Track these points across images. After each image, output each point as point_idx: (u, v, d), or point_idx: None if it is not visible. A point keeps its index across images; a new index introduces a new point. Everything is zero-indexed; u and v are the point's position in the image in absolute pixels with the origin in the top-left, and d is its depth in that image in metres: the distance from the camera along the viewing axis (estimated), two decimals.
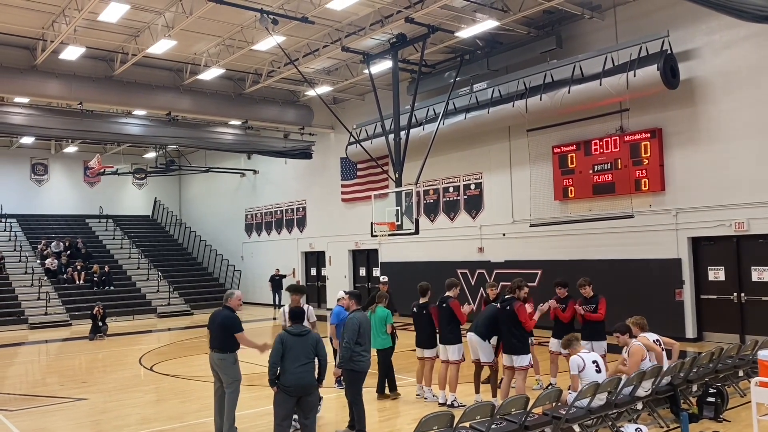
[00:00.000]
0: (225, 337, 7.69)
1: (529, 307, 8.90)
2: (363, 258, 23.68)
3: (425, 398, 9.53)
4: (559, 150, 16.69)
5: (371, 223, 16.49)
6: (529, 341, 9.56)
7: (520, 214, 17.83)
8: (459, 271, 19.18)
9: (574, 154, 16.36)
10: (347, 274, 23.89)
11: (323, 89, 20.91)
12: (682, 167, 14.48)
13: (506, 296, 8.57)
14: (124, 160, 30.62)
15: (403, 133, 16.43)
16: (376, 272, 22.68)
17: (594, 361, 7.57)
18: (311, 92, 20.89)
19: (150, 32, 16.62)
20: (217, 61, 18.44)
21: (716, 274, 14.26)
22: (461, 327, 9.21)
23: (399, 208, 15.83)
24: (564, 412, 6.71)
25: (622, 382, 7.28)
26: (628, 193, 15.15)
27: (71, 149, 29.51)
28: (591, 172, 15.95)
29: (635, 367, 7.58)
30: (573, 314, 9.51)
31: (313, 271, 26.18)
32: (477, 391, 9.08)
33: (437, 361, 9.53)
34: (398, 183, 16.28)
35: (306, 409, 6.76)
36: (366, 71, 17.73)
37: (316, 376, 6.78)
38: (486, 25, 15.36)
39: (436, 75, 19.24)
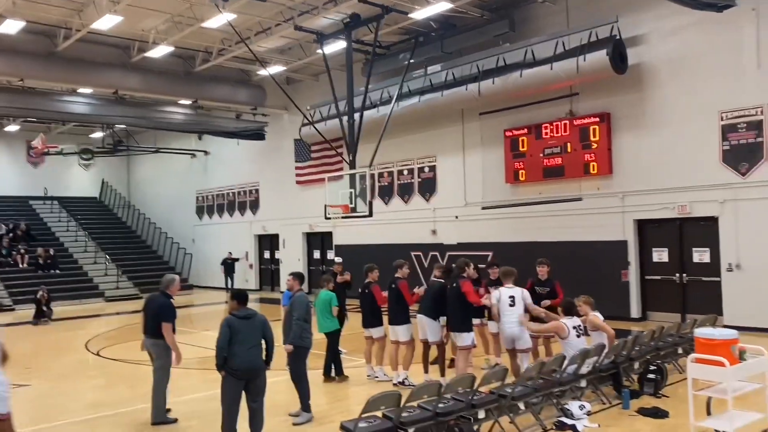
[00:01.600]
0: (159, 323, 7.66)
1: (482, 289, 9.05)
2: (317, 241, 23.58)
3: (376, 377, 9.59)
4: (510, 133, 16.86)
5: (325, 205, 16.41)
6: (481, 322, 9.76)
7: (472, 197, 18.00)
8: (413, 253, 19.27)
9: (525, 138, 16.56)
10: (301, 257, 23.77)
11: (276, 69, 20.57)
12: (629, 151, 14.81)
13: (453, 275, 8.66)
14: (69, 140, 29.67)
15: (357, 115, 16.33)
16: (331, 255, 22.60)
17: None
18: (264, 72, 20.53)
19: (95, 7, 16.00)
20: (166, 39, 17.93)
21: (660, 255, 14.71)
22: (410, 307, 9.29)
23: (353, 190, 15.77)
24: (510, 390, 6.83)
25: (567, 361, 7.45)
26: (577, 177, 15.46)
27: (13, 128, 28.34)
28: (541, 155, 16.17)
29: (543, 330, 8.29)
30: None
31: (267, 255, 25.94)
32: (426, 371, 9.17)
33: (388, 341, 9.58)
34: (352, 165, 16.20)
35: (254, 392, 6.72)
36: (320, 51, 17.52)
37: (264, 358, 6.75)
38: (440, 6, 15.33)
39: (390, 57, 19.13)
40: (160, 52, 18.50)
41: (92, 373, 11.45)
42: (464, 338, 8.51)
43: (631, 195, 14.79)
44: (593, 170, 15.22)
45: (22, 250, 24.49)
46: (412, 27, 17.76)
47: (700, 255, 14.01)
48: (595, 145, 15.19)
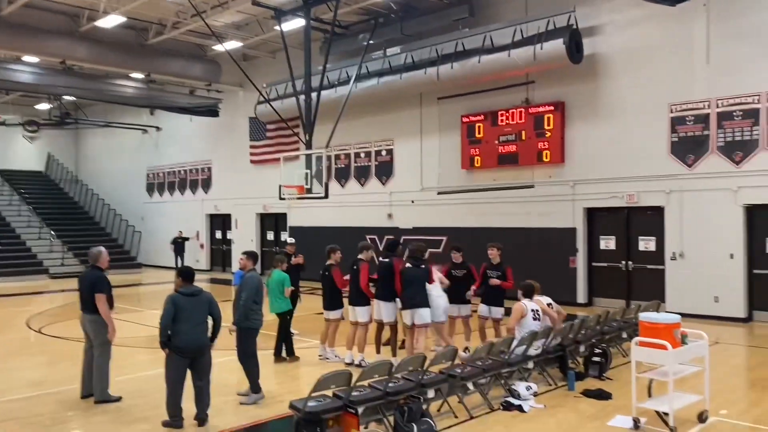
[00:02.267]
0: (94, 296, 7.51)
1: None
2: (271, 222, 23.34)
3: (327, 359, 9.57)
4: (467, 119, 16.95)
5: (280, 185, 16.21)
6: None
7: (428, 181, 18.07)
8: (368, 236, 19.17)
9: (481, 124, 16.67)
10: (254, 238, 23.49)
11: (232, 44, 20.16)
12: (582, 140, 15.08)
13: (418, 257, 8.76)
14: (13, 110, 28.49)
15: (314, 95, 16.13)
16: (285, 236, 22.38)
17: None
18: (219, 47, 20.08)
19: None
20: (117, 8, 17.33)
21: (607, 243, 15.08)
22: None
23: (309, 171, 15.61)
24: (460, 371, 6.91)
25: (515, 342, 7.58)
26: (531, 164, 15.68)
27: None
28: (497, 142, 16.32)
29: (512, 322, 8.07)
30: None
31: (219, 235, 25.55)
32: (378, 351, 9.20)
33: (345, 323, 9.56)
34: (308, 145, 16.01)
35: (200, 371, 6.64)
36: (277, 28, 17.20)
37: (210, 335, 6.67)
38: None
39: (350, 37, 18.94)
40: (111, 21, 17.88)
41: (33, 350, 11.10)
42: (425, 315, 8.58)
43: (582, 183, 15.09)
44: (546, 158, 15.44)
45: None
46: (372, 8, 17.63)
47: (646, 243, 14.42)
48: (548, 134, 15.40)
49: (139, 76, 22.36)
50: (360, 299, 9.15)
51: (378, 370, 6.17)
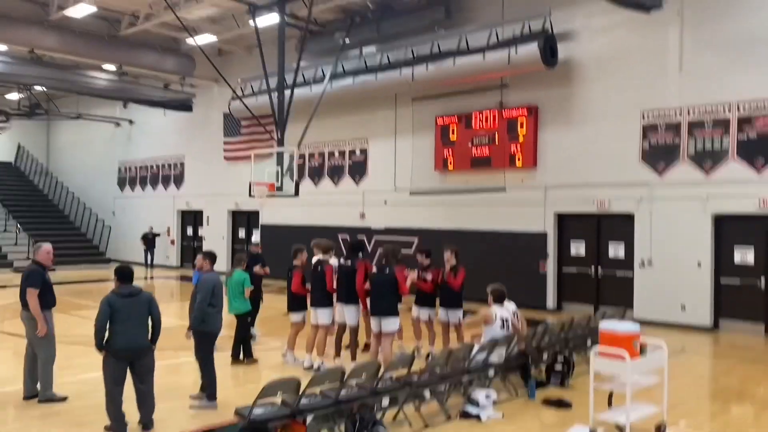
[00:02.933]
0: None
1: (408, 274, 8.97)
2: (243, 219, 23.03)
3: (286, 361, 9.38)
4: (441, 121, 16.84)
5: (250, 182, 15.95)
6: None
7: (401, 182, 17.90)
8: (340, 236, 18.98)
9: (455, 126, 16.57)
10: (225, 235, 23.17)
11: (207, 38, 19.81)
12: (554, 145, 15.03)
13: (384, 261, 8.52)
14: None
15: (287, 92, 15.90)
16: (256, 234, 22.10)
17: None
18: (196, 40, 19.75)
19: None
20: None
21: (578, 248, 15.04)
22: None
23: (279, 168, 15.40)
24: (416, 378, 6.75)
25: (475, 349, 7.44)
26: (503, 168, 15.59)
27: None
28: (470, 144, 16.23)
29: (476, 323, 8.07)
30: (436, 283, 9.62)
31: (190, 231, 25.17)
32: (338, 355, 9.01)
33: (307, 325, 9.36)
34: (280, 143, 15.80)
35: (141, 373, 6.41)
36: (252, 23, 16.93)
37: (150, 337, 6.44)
38: None
39: (326, 35, 18.68)
40: (81, 11, 17.42)
41: None
42: (392, 323, 8.39)
43: (554, 188, 15.04)
44: (519, 162, 15.38)
45: None
46: (349, 7, 17.45)
47: (616, 250, 14.41)
48: (521, 138, 15.34)
49: (112, 68, 21.91)
50: (322, 301, 8.93)
51: (329, 377, 5.99)
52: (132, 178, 27.55)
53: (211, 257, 7.74)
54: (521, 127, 15.39)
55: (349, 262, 8.76)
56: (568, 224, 15.25)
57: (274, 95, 16.15)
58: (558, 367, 8.43)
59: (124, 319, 6.21)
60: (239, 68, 21.22)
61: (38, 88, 24.84)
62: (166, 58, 21.44)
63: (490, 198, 15.67)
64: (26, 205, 27.66)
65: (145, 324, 6.40)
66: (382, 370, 6.43)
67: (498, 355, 7.83)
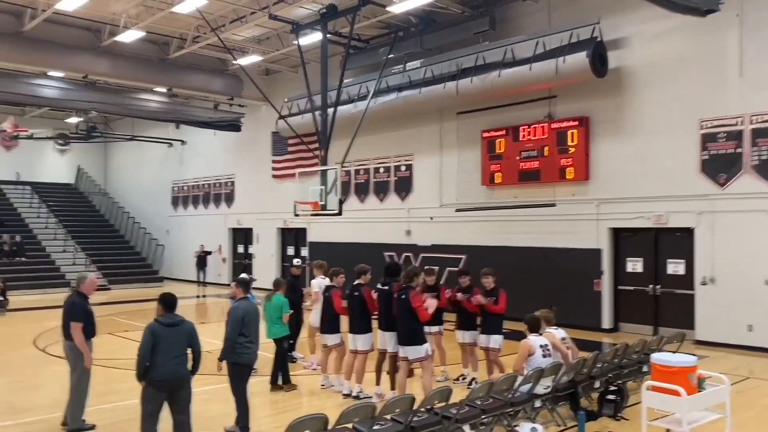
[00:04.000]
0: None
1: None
2: (291, 237, 23.05)
3: (332, 386, 9.12)
4: (488, 135, 16.41)
5: (294, 202, 15.92)
6: (436, 330, 9.31)
7: (448, 198, 17.54)
8: (386, 253, 18.83)
9: (502, 140, 16.11)
10: (274, 253, 23.23)
11: (253, 59, 20.03)
12: (607, 157, 14.40)
13: (403, 285, 8.14)
14: (45, 124, 28.93)
15: (331, 110, 15.82)
16: (305, 252, 22.11)
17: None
18: (243, 61, 19.98)
19: None
20: (137, 23, 17.30)
21: (634, 265, 14.31)
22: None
23: (323, 187, 15.29)
24: (455, 411, 6.37)
25: (519, 380, 7.01)
26: (553, 182, 15.04)
27: None
28: (518, 158, 15.73)
29: (520, 362, 7.37)
30: (478, 303, 9.20)
31: (241, 249, 25.38)
32: (378, 383, 8.68)
33: (344, 350, 9.09)
34: (324, 161, 15.72)
35: (179, 404, 6.23)
36: (301, 43, 16.95)
37: (190, 368, 6.27)
38: (419, 0, 14.80)
39: (370, 51, 18.61)
40: (130, 36, 17.85)
41: (29, 372, 10.77)
42: (418, 350, 7.97)
43: (607, 202, 14.39)
44: (569, 175, 14.79)
45: None
46: (392, 21, 17.30)
47: (675, 267, 13.63)
48: (572, 150, 14.76)
49: (163, 90, 22.38)
50: (361, 326, 8.62)
51: (361, 412, 5.66)
52: (185, 197, 28.05)
53: (244, 284, 7.50)
54: (571, 138, 14.81)
55: (386, 287, 8.44)
56: (623, 240, 14.55)
57: (318, 113, 16.12)
58: (611, 396, 7.88)
59: (166, 350, 6.05)
60: (286, 87, 21.37)
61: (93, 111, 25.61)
62: (214, 79, 21.77)
63: (540, 213, 15.13)
64: (84, 225, 28.49)
65: (184, 354, 6.23)
66: (417, 403, 6.08)
67: (545, 385, 7.37)
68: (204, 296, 22.83)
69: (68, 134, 28.36)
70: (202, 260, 25.02)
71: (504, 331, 9.28)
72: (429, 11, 16.48)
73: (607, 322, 14.46)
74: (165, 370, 6.05)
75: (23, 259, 23.50)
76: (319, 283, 10.11)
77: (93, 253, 25.76)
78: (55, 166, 32.20)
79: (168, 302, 6.31)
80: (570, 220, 14.91)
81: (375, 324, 8.74)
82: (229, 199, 25.52)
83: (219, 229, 25.81)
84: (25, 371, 10.73)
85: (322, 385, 9.32)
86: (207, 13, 16.80)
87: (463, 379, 9.50)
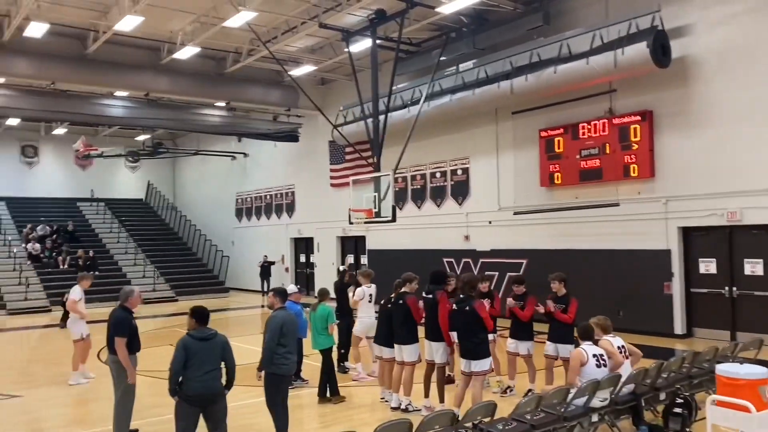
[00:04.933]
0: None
1: (487, 304, 8.16)
2: (351, 245, 22.99)
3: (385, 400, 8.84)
4: (545, 133, 15.81)
5: (349, 209, 15.81)
6: (491, 339, 8.90)
7: (506, 201, 17.01)
8: (445, 259, 18.45)
9: (561, 138, 15.48)
10: (335, 261, 23.20)
11: (306, 69, 20.12)
12: (674, 152, 13.57)
13: (461, 295, 7.76)
14: (116, 142, 30.14)
15: (382, 117, 15.65)
16: (364, 260, 22.00)
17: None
18: (294, 72, 20.12)
19: (118, 8, 15.87)
20: (192, 40, 17.67)
21: (707, 266, 13.39)
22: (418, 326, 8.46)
23: (377, 194, 15.11)
24: (501, 427, 5.98)
25: (572, 393, 6.53)
26: (617, 180, 14.31)
27: (61, 131, 28.90)
28: (578, 157, 15.07)
29: (573, 373, 6.88)
30: (533, 312, 8.74)
31: (303, 258, 25.53)
32: (426, 395, 8.34)
33: (392, 362, 8.80)
34: (376, 168, 15.57)
35: (214, 420, 6.12)
36: (352, 50, 16.89)
37: (224, 383, 6.14)
38: (468, 0, 14.43)
39: (422, 54, 18.36)
40: (187, 53, 18.23)
41: (90, 384, 11.00)
42: (483, 364, 7.56)
43: (676, 200, 13.54)
44: (634, 173, 14.02)
45: (64, 251, 24.86)
46: (442, 23, 16.98)
47: (753, 267, 12.65)
48: (635, 146, 13.99)
49: (222, 104, 22.82)
50: (407, 336, 8.30)
51: (439, 421, 5.35)
52: (248, 208, 28.52)
53: (281, 294, 7.35)
54: (634, 134, 14.05)
55: (431, 295, 8.11)
56: (694, 239, 13.65)
57: (371, 120, 15.98)
58: (677, 409, 7.26)
59: (198, 364, 5.95)
60: (342, 95, 21.37)
61: (156, 128, 26.45)
62: (271, 91, 22.00)
63: (603, 213, 14.41)
64: (153, 238, 29.40)
65: (218, 369, 6.11)
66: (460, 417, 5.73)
67: (601, 398, 6.85)
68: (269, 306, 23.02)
69: (137, 151, 29.38)
70: (265, 270, 25.31)
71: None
72: (480, 10, 16.07)
73: (679, 327, 13.58)
74: (198, 384, 5.94)
75: (96, 272, 24.34)
76: (363, 291, 9.90)
77: (161, 266, 26.51)
78: (126, 182, 33.44)
79: (200, 315, 6.20)
80: (636, 220, 14.13)
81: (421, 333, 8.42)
82: (290, 209, 25.74)
83: (281, 239, 26.07)
84: (85, 384, 10.94)
85: (382, 398, 9.01)
86: (259, 25, 17.00)
87: (511, 391, 9.04)
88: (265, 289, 25.43)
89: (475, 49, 16.76)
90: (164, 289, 25.01)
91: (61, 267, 24.33)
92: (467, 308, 7.50)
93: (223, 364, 6.16)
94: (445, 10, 15.03)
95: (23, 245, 25.27)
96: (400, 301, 8.36)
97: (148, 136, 28.67)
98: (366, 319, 10.35)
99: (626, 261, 14.24)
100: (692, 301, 13.65)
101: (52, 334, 17.41)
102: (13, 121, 26.18)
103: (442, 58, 16.55)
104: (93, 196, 31.34)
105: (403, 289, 8.46)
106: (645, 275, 13.91)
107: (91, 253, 24.95)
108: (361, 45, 17.07)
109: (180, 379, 5.98)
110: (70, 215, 28.88)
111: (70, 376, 10.84)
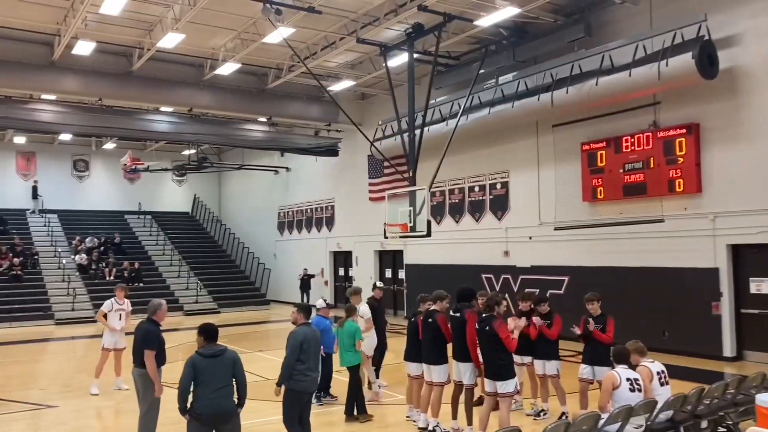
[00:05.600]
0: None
1: (511, 322, 7.88)
2: (389, 259, 22.87)
3: (413, 421, 8.63)
4: (587, 147, 15.42)
5: (384, 224, 15.71)
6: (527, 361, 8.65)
7: (547, 216, 16.60)
8: (484, 275, 18.14)
9: (603, 152, 15.06)
10: (373, 275, 23.08)
11: (346, 84, 20.22)
12: (722, 166, 13.02)
13: (483, 314, 7.53)
14: (163, 156, 30.83)
15: (418, 131, 15.53)
16: (402, 274, 21.84)
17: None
18: (334, 87, 20.23)
19: (161, 26, 16.26)
20: (234, 56, 17.95)
21: (759, 286, 12.75)
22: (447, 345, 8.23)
23: (412, 208, 14.97)
24: None
25: (603, 420, 6.21)
26: (661, 195, 13.80)
27: (110, 146, 29.80)
28: (621, 171, 14.62)
29: (605, 397, 6.53)
30: (560, 331, 8.42)
31: (341, 272, 25.53)
32: (454, 416, 8.10)
33: (419, 380, 8.60)
34: (412, 182, 15.42)
35: None
36: (391, 64, 16.87)
37: (236, 400, 6.05)
38: (506, 12, 14.24)
39: (461, 67, 18.23)
40: (228, 69, 18.55)
41: (125, 395, 11.02)
42: (508, 385, 7.30)
43: (724, 216, 12.96)
44: (679, 188, 13.51)
45: (110, 263, 25.47)
46: (481, 35, 16.83)
47: None
48: (681, 160, 13.49)
49: (264, 119, 23.10)
50: (435, 356, 8.06)
51: None
52: (289, 222, 28.74)
53: (304, 310, 7.25)
54: (680, 148, 13.55)
55: (458, 314, 7.89)
56: (745, 257, 13.03)
57: (407, 134, 15.88)
58: None
59: (207, 381, 5.87)
60: (382, 109, 21.32)
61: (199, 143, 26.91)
62: (311, 107, 22.19)
63: (648, 229, 13.90)
64: (198, 251, 29.87)
65: (229, 386, 6.03)
66: None
67: (636, 424, 6.50)
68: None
69: (183, 165, 29.98)
70: (305, 283, 25.38)
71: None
72: (520, 23, 15.87)
73: (728, 349, 12.94)
74: (207, 402, 5.85)
75: (141, 284, 24.88)
76: (366, 310, 9.82)
77: (204, 278, 26.87)
78: (173, 196, 34.15)
79: (209, 332, 6.13)
80: (682, 237, 13.59)
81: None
82: (330, 222, 25.82)
83: (321, 252, 26.14)
84: (116, 395, 10.95)
85: (408, 417, 8.82)
86: (299, 41, 17.18)
87: (544, 414, 8.71)
88: (304, 302, 25.52)
89: (514, 62, 16.53)
90: (207, 301, 25.33)
91: (108, 278, 24.91)
92: (487, 328, 7.28)
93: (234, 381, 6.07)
94: (484, 23, 14.88)
95: (72, 257, 26.00)
96: (429, 320, 8.15)
97: (193, 151, 29.21)
98: (372, 337, 10.20)
99: (672, 279, 13.69)
100: (743, 322, 13.00)
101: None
102: (65, 137, 27.09)
103: (481, 71, 16.35)
104: (140, 209, 32.08)
105: (433, 307, 8.25)
106: (692, 294, 13.34)
107: (136, 265, 25.50)
108: (400, 59, 17.05)
109: (191, 397, 5.93)
110: (118, 228, 29.62)
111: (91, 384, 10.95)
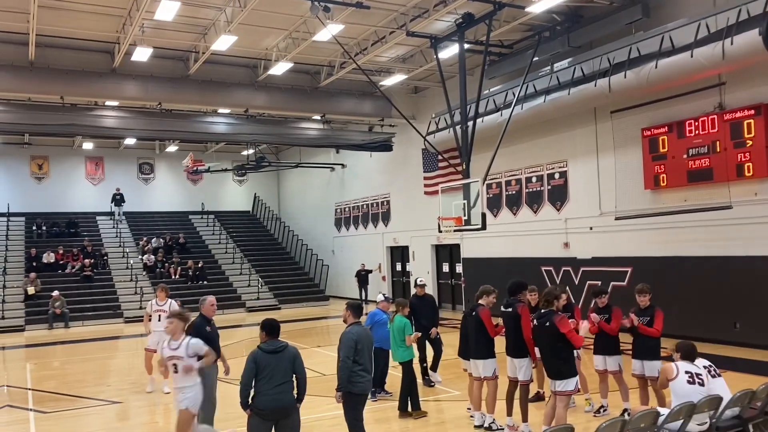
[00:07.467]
0: None
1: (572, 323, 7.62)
2: (446, 253, 22.67)
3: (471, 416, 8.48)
4: (648, 132, 14.82)
5: (438, 218, 15.56)
6: (575, 355, 8.35)
7: (607, 205, 16.08)
8: (543, 268, 17.77)
9: (665, 137, 14.45)
10: (430, 270, 22.98)
11: (397, 78, 20.13)
12: None
13: (542, 309, 7.29)
14: (223, 157, 31.59)
15: (471, 122, 15.30)
16: (459, 268, 21.62)
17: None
18: (387, 82, 20.19)
19: (215, 29, 16.59)
20: (286, 55, 18.14)
21: None
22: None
23: (466, 201, 14.77)
24: None
25: (663, 417, 5.94)
26: (729, 180, 13.12)
27: (173, 148, 30.69)
28: (685, 156, 13.99)
29: (660, 388, 6.25)
30: (620, 325, 8.09)
31: (398, 267, 25.50)
32: (509, 413, 7.91)
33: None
34: (465, 174, 15.21)
35: None
36: (442, 56, 16.69)
37: (296, 395, 6.08)
38: None
39: (514, 56, 17.85)
40: (281, 69, 18.75)
41: (168, 397, 11.30)
42: (568, 384, 7.03)
43: None
44: (748, 172, 12.81)
45: (175, 262, 26.26)
46: (534, 22, 16.43)
47: None
48: (750, 143, 12.79)
49: (318, 117, 23.29)
50: (482, 351, 7.89)
51: None
52: (346, 218, 28.92)
53: (355, 309, 7.07)
54: (748, 130, 12.85)
55: (510, 308, 7.69)
56: None
57: (460, 126, 15.68)
58: None
59: (269, 376, 5.93)
60: (436, 102, 21.17)
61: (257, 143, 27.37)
62: (364, 102, 22.21)
63: (715, 217, 13.25)
64: (259, 249, 30.47)
65: (290, 381, 6.06)
66: None
67: (699, 421, 6.19)
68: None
69: (242, 165, 30.58)
70: (363, 278, 25.47)
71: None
72: (574, 7, 15.41)
73: None
74: (268, 398, 5.91)
75: (205, 282, 25.54)
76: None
77: (265, 275, 27.37)
78: (234, 195, 34.91)
79: (271, 328, 6.18)
80: (753, 224, 12.89)
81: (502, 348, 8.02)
82: (386, 218, 25.82)
83: (377, 247, 26.18)
84: (165, 397, 10.77)
85: (468, 409, 8.67)
86: (349, 37, 17.22)
87: (604, 410, 8.40)
88: (363, 298, 25.62)
89: (569, 48, 16.05)
90: (268, 298, 25.79)
91: (173, 277, 25.68)
92: (547, 324, 7.00)
93: (294, 377, 6.10)
94: (536, 9, 14.52)
95: (139, 257, 26.94)
96: (473, 313, 7.99)
97: (251, 151, 29.76)
98: None
99: (742, 268, 13.01)
100: None
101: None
102: (130, 141, 28.08)
103: (535, 59, 15.93)
104: (203, 209, 32.93)
105: (479, 302, 8.08)
106: (764, 284, 12.64)
107: (200, 264, 26.18)
108: (451, 51, 16.82)
109: (252, 392, 5.99)
110: (182, 228, 30.51)
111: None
